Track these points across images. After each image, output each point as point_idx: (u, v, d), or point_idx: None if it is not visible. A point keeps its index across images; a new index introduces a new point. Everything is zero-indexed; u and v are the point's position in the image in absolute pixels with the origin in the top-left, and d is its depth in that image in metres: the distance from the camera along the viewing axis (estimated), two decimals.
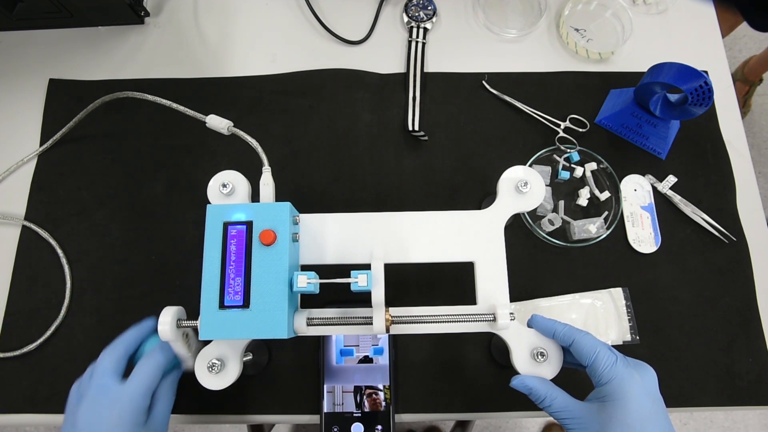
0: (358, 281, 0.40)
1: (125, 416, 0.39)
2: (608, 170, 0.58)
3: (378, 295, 0.40)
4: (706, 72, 0.61)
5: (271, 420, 0.53)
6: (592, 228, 0.56)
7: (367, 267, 0.41)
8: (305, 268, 0.44)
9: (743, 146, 0.63)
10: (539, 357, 0.42)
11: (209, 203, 0.43)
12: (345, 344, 0.53)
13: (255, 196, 0.46)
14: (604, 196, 0.58)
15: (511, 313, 0.41)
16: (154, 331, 0.45)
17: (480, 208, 0.49)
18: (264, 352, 0.53)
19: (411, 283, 0.56)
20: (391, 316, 0.41)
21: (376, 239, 0.45)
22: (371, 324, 0.41)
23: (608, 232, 0.56)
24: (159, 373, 0.42)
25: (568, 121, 0.62)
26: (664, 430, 0.37)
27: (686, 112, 0.56)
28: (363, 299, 0.50)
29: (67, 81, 0.64)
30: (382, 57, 0.66)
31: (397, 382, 0.53)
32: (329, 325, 0.42)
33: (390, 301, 0.42)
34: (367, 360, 0.52)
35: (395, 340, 0.54)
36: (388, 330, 0.41)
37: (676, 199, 0.59)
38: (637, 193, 0.60)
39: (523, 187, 0.45)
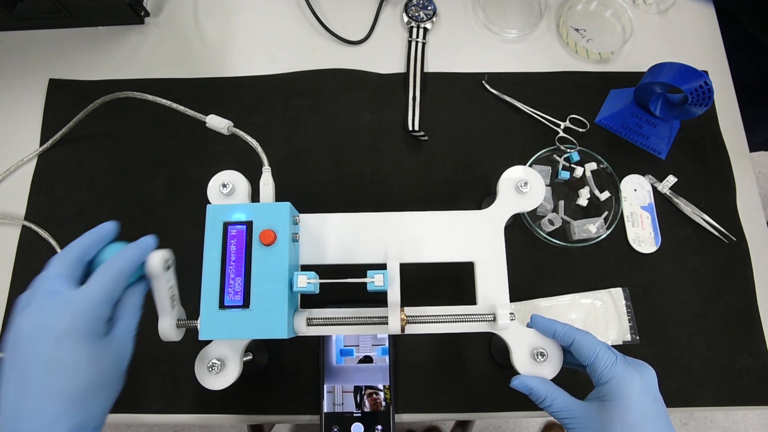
0: (375, 281, 0.40)
1: (79, 322, 0.34)
2: (608, 170, 0.58)
3: (394, 294, 0.40)
4: (706, 72, 0.61)
5: (271, 420, 0.53)
6: (592, 228, 0.56)
7: (367, 267, 0.41)
8: (305, 268, 0.44)
9: (743, 146, 0.63)
10: (539, 357, 0.42)
11: (209, 203, 0.43)
12: (345, 344, 0.53)
13: (255, 196, 0.46)
14: (604, 196, 0.58)
15: (511, 313, 0.41)
16: (114, 239, 0.39)
17: (480, 208, 0.49)
18: (264, 352, 0.53)
19: (410, 283, 0.55)
20: (407, 316, 0.41)
21: (375, 239, 0.45)
22: (378, 324, 0.41)
23: (608, 232, 0.56)
24: (122, 281, 0.36)
25: (568, 121, 0.62)
26: (664, 429, 0.37)
27: (686, 112, 0.56)
28: (363, 299, 0.50)
29: (67, 81, 0.64)
30: (382, 57, 0.66)
31: (397, 382, 0.53)
32: (337, 324, 0.42)
33: (387, 301, 0.42)
34: (367, 360, 0.52)
35: (395, 340, 0.54)
36: (403, 330, 0.41)
37: (676, 199, 0.59)
38: (637, 193, 0.60)
39: (523, 187, 0.45)
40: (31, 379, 0.33)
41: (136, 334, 0.37)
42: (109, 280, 0.35)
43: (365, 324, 0.42)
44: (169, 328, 0.39)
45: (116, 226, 0.39)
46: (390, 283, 0.40)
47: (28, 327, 0.34)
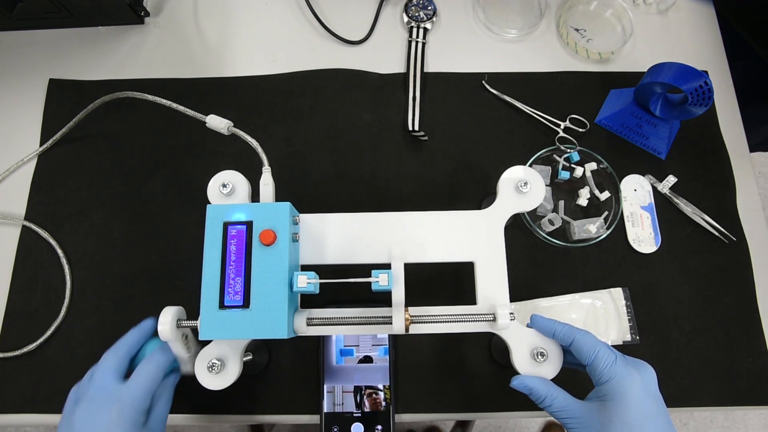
0: (379, 280, 0.39)
1: (125, 416, 0.39)
2: (608, 170, 0.58)
3: (398, 294, 0.40)
4: (706, 72, 0.61)
5: (271, 420, 0.53)
6: (592, 228, 0.56)
7: (366, 267, 0.41)
8: (305, 268, 0.44)
9: (743, 146, 0.63)
10: (539, 357, 0.42)
11: (209, 203, 0.43)
12: (345, 344, 0.53)
13: (255, 196, 0.46)
14: (604, 196, 0.58)
15: (511, 313, 0.41)
16: (154, 334, 0.45)
17: (480, 208, 0.49)
18: (264, 352, 0.53)
19: (410, 283, 0.55)
20: (411, 316, 0.41)
21: (375, 239, 0.45)
22: (381, 324, 0.41)
23: (608, 232, 0.56)
24: (160, 375, 0.42)
25: (568, 121, 0.62)
26: (664, 428, 0.37)
27: (686, 112, 0.56)
28: (363, 299, 0.50)
29: (67, 81, 0.64)
30: (382, 57, 0.66)
31: (397, 382, 0.53)
32: (337, 324, 0.42)
33: (387, 301, 0.42)
34: (367, 360, 0.52)
35: (395, 340, 0.54)
36: (407, 330, 0.41)
37: (676, 199, 0.59)
38: (637, 193, 0.60)
39: (523, 187, 0.45)
40: None
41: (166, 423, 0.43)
42: (150, 375, 0.41)
43: (367, 324, 0.42)
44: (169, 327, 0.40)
45: (154, 323, 0.45)
46: (394, 282, 0.40)
47: (81, 418, 0.39)
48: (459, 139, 0.62)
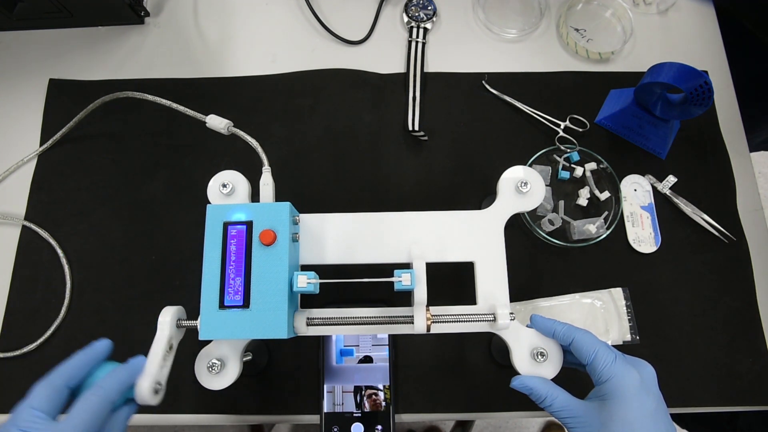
0: (402, 280, 0.39)
1: None
2: (608, 170, 0.58)
3: (420, 294, 0.40)
4: (706, 72, 0.61)
5: (271, 420, 0.53)
6: (592, 228, 0.56)
7: (367, 267, 0.41)
8: (305, 268, 0.44)
9: (743, 146, 0.63)
10: (539, 357, 0.42)
11: (209, 203, 0.43)
12: (345, 344, 0.53)
13: (255, 196, 0.46)
14: (604, 196, 0.58)
15: (511, 313, 0.41)
16: (107, 358, 0.37)
17: (480, 208, 0.49)
18: (264, 352, 0.53)
19: None
20: (432, 315, 0.41)
21: (375, 239, 0.45)
22: (383, 324, 0.41)
23: (608, 232, 0.56)
24: (106, 409, 0.33)
25: (568, 121, 0.62)
26: (664, 427, 0.37)
27: (686, 112, 0.56)
28: (364, 299, 0.50)
29: (67, 81, 0.64)
30: (382, 57, 0.66)
31: (397, 382, 0.53)
32: (338, 324, 0.42)
33: (387, 301, 0.42)
34: (367, 360, 0.52)
35: (395, 340, 0.54)
36: (428, 329, 0.41)
37: (676, 199, 0.59)
38: (637, 193, 0.60)
39: (523, 187, 0.45)
40: None
41: None
42: (92, 409, 0.33)
43: (371, 324, 0.42)
44: (146, 390, 0.36)
45: (110, 346, 0.37)
46: (417, 282, 0.40)
47: None
48: (459, 139, 0.62)
